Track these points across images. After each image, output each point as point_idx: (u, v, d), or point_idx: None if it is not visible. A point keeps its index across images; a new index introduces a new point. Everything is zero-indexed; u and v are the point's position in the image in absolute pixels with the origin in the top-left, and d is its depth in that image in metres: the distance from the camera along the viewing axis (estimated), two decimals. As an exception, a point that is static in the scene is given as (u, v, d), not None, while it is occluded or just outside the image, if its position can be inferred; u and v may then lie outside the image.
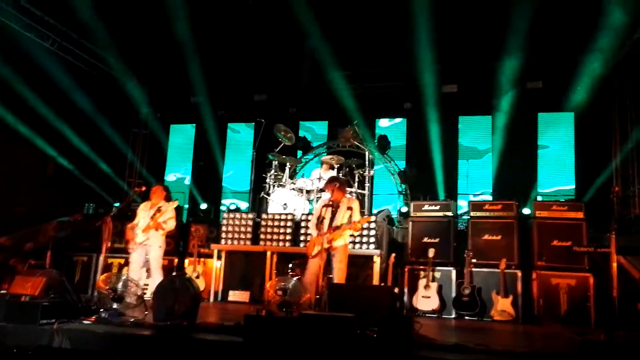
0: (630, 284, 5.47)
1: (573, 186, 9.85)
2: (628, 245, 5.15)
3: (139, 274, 6.23)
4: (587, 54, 8.65)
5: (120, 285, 5.15)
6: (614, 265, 4.45)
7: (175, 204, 6.37)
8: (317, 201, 7.48)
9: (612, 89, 9.32)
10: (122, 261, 7.83)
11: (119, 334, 4.28)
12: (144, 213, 6.38)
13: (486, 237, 6.97)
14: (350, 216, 5.58)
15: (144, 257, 6.30)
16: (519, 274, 6.61)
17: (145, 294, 5.54)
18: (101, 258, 6.72)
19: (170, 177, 12.08)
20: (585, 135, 9.78)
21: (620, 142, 9.25)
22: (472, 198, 9.60)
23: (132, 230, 6.29)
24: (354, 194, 7.63)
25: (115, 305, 5.01)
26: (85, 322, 4.59)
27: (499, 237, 6.91)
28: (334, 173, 7.85)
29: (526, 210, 7.75)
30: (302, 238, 7.34)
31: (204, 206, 10.11)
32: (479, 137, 10.56)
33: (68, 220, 7.96)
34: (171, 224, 6.37)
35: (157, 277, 6.17)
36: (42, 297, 4.81)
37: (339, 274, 5.51)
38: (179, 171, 12.12)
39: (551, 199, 8.75)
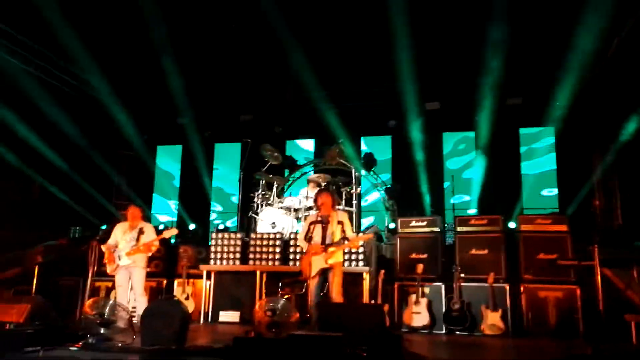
0: (616, 295, 5.52)
1: (557, 199, 10.01)
2: (611, 258, 5.22)
3: (127, 297, 6.18)
4: (564, 70, 8.85)
5: (107, 309, 5.08)
6: (598, 277, 4.51)
7: (173, 231, 6.40)
8: (305, 219, 7.48)
9: (590, 105, 9.53)
10: (110, 284, 7.72)
11: (105, 360, 4.22)
12: (124, 235, 6.29)
13: (473, 251, 7.02)
14: (343, 231, 5.48)
15: (128, 280, 6.23)
16: (507, 287, 6.65)
17: (133, 317, 5.48)
18: (88, 282, 6.64)
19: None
20: (566, 149, 9.96)
21: (600, 155, 9.43)
22: (457, 213, 9.68)
23: (110, 251, 6.21)
24: (345, 208, 7.68)
25: (102, 330, 4.93)
26: (71, 348, 4.50)
27: (485, 251, 6.97)
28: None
29: (512, 224, 7.83)
30: (291, 257, 7.33)
31: (192, 227, 10.06)
32: (463, 152, 10.71)
33: (54, 244, 7.85)
34: (156, 245, 6.34)
35: (142, 299, 6.13)
36: (27, 324, 4.74)
37: (337, 289, 5.38)
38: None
39: (536, 212, 8.87)
